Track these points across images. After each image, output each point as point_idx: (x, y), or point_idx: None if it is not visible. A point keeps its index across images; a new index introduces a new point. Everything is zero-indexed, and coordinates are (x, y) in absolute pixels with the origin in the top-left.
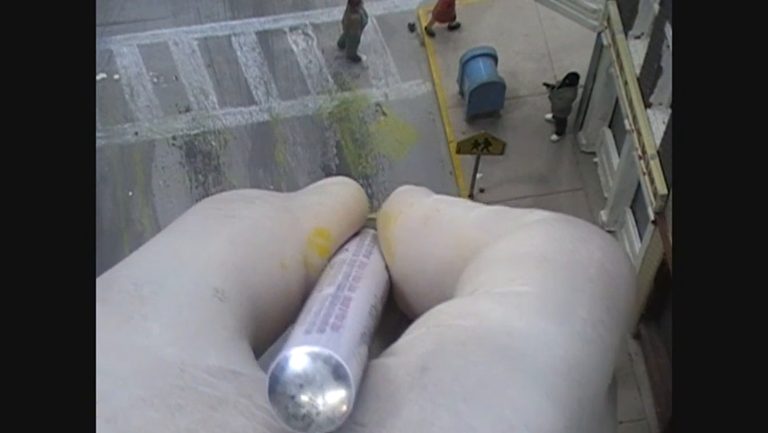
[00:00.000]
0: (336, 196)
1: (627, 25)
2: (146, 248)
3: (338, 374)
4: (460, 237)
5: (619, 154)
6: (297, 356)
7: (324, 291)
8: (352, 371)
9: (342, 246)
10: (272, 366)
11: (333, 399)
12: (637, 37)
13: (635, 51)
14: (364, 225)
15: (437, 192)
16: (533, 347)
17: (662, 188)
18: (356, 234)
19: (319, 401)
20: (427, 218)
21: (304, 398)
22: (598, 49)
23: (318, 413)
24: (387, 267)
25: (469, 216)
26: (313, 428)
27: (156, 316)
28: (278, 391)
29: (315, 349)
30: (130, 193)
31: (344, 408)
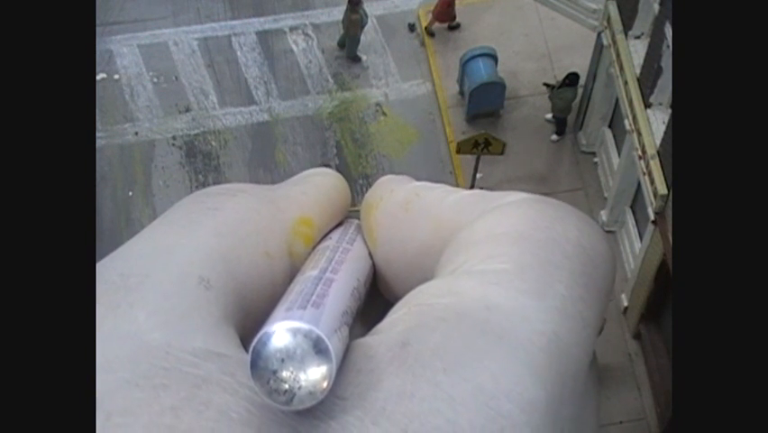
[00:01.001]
0: (318, 186)
1: (627, 25)
2: (133, 241)
3: (319, 348)
4: (439, 220)
5: (619, 154)
6: (279, 332)
7: (307, 274)
8: (333, 346)
9: (325, 235)
10: (254, 342)
11: (315, 373)
12: (637, 37)
13: (635, 51)
14: (348, 216)
15: None
16: (512, 321)
17: (662, 188)
18: (340, 224)
19: (301, 376)
20: (407, 203)
21: (285, 372)
22: (598, 49)
23: (300, 387)
24: (370, 254)
25: (448, 199)
26: (295, 403)
27: (142, 303)
28: (260, 365)
29: (296, 324)
30: (130, 193)
31: (325, 382)
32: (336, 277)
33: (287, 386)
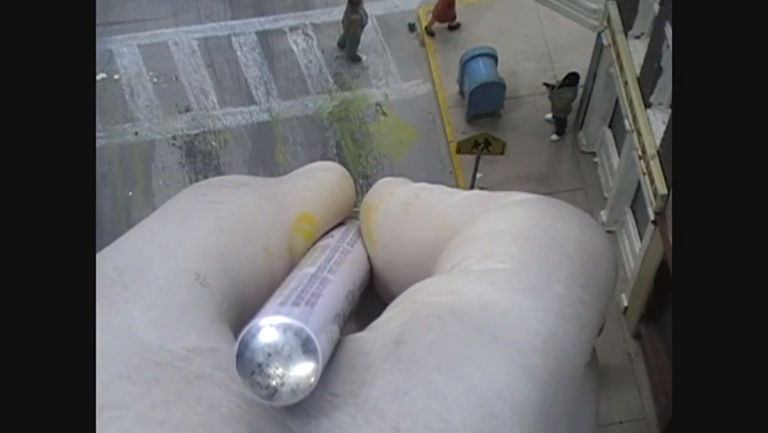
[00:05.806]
0: (322, 181)
1: (627, 25)
2: (130, 234)
3: (307, 348)
4: (440, 221)
5: (619, 154)
6: (269, 326)
7: (304, 270)
8: (321, 346)
9: (327, 233)
10: (243, 333)
11: (300, 372)
12: (637, 37)
13: (635, 51)
14: (350, 216)
15: None
16: (507, 321)
17: (662, 188)
18: (342, 224)
19: (286, 373)
20: (407, 205)
21: (271, 367)
22: (598, 49)
23: (283, 384)
24: (369, 259)
25: (448, 200)
26: (276, 398)
27: (137, 299)
28: (246, 357)
29: (288, 320)
30: (130, 193)
31: (310, 381)
32: (333, 278)
33: (270, 381)
